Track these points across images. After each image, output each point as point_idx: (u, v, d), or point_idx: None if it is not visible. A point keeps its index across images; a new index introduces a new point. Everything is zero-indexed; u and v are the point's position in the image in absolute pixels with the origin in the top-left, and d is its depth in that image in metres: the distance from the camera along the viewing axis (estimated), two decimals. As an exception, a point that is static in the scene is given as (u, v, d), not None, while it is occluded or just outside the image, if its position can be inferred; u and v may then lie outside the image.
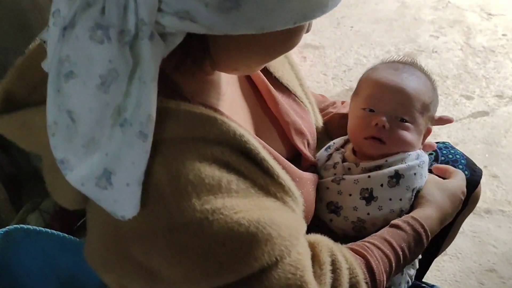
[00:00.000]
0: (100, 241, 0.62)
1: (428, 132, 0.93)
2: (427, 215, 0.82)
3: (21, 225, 1.09)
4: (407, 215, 0.82)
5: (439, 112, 2.11)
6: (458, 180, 0.90)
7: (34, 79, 0.64)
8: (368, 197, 0.84)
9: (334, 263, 0.68)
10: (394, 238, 0.77)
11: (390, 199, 0.84)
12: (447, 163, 0.98)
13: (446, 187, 0.88)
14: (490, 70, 2.28)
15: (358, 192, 0.84)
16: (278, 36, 0.59)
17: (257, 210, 0.60)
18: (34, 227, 1.10)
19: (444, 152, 1.01)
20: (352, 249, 0.73)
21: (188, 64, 0.61)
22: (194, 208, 0.56)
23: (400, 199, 0.85)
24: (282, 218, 0.62)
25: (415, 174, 0.86)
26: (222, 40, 0.58)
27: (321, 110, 1.05)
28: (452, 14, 2.68)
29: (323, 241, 0.71)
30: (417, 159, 0.89)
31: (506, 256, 1.46)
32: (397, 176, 0.84)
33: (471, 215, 1.61)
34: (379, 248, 0.75)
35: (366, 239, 0.76)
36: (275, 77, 0.86)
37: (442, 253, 1.34)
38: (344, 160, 0.91)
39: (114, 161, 0.54)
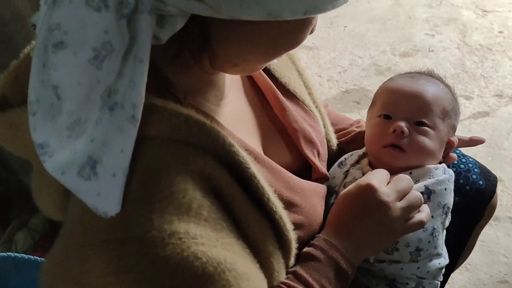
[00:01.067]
0: (58, 251, 0.56)
1: (451, 145, 0.87)
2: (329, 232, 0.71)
3: (8, 253, 1.03)
4: (319, 235, 0.71)
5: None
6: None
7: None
8: None
9: None
10: (310, 274, 0.66)
11: None
12: (459, 174, 0.92)
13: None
14: (488, 69, 2.23)
15: None
16: (283, 28, 0.55)
17: (222, 249, 0.53)
18: (22, 255, 1.03)
19: (455, 162, 0.95)
20: None
21: (185, 56, 0.57)
22: (152, 223, 0.50)
23: (432, 216, 0.79)
24: (245, 269, 0.56)
25: (445, 189, 0.81)
26: (225, 28, 0.54)
27: (344, 129, 0.99)
28: (447, 11, 2.63)
29: None
30: (444, 173, 0.84)
31: (518, 266, 1.41)
32: (428, 192, 0.79)
33: (478, 223, 1.57)
34: None
35: (285, 281, 0.65)
36: (281, 83, 0.80)
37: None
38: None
39: (101, 148, 0.49)
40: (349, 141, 0.96)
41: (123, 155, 0.50)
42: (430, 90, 0.84)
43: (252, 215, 0.58)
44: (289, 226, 0.63)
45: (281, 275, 0.64)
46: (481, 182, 0.91)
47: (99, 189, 0.49)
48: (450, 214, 0.84)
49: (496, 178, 0.94)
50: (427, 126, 0.82)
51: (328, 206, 0.82)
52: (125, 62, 0.49)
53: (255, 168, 0.59)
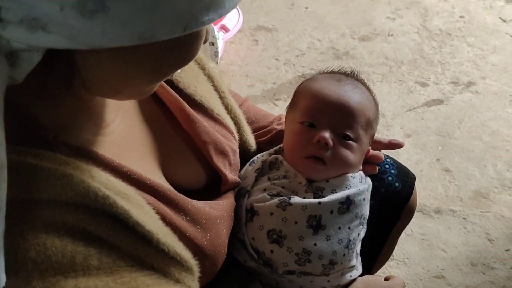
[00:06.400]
0: None
1: (367, 153, 0.83)
2: None
3: None
4: None
5: (394, 101, 2.03)
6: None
7: None
8: (316, 225, 0.74)
9: None
10: None
11: (339, 228, 0.75)
12: (374, 176, 0.88)
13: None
14: (446, 54, 2.20)
15: (305, 219, 0.74)
16: (165, 47, 0.48)
17: None
18: None
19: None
20: None
21: (51, 87, 0.49)
22: None
23: (349, 228, 0.76)
24: None
25: (364, 199, 0.79)
26: (94, 55, 0.47)
27: (264, 127, 0.94)
28: (410, -6, 2.57)
29: None
30: (362, 182, 0.80)
31: (456, 261, 1.39)
32: (348, 202, 0.76)
33: (420, 215, 1.55)
34: None
35: None
36: (186, 94, 0.74)
37: (390, 258, 1.26)
38: None
39: None
40: (269, 140, 0.92)
41: None
42: (356, 99, 0.79)
43: (146, 256, 0.54)
44: (187, 256, 0.59)
45: None
46: (397, 184, 0.87)
47: None
48: (366, 224, 0.80)
49: (414, 178, 0.90)
50: (351, 139, 0.78)
51: (239, 208, 0.78)
52: None
53: (139, 214, 0.53)
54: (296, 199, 0.75)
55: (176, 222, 0.62)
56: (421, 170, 1.71)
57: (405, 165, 0.92)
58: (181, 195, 0.66)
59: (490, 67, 2.12)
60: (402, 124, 1.89)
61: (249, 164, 0.85)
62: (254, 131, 0.91)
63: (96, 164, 0.55)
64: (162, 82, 0.71)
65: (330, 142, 0.76)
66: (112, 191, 0.52)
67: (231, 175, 0.78)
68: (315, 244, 0.74)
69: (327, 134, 0.76)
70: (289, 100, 2.25)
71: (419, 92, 2.02)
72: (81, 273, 0.47)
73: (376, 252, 0.88)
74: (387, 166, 0.88)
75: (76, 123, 0.57)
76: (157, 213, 0.58)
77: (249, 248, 0.77)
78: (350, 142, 0.78)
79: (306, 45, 2.32)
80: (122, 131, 0.64)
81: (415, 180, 0.89)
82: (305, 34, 2.38)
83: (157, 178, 0.67)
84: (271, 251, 0.75)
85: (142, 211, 0.55)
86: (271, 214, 0.75)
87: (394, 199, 0.86)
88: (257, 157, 0.86)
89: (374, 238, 0.84)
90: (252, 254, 0.76)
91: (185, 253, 0.59)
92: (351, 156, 0.78)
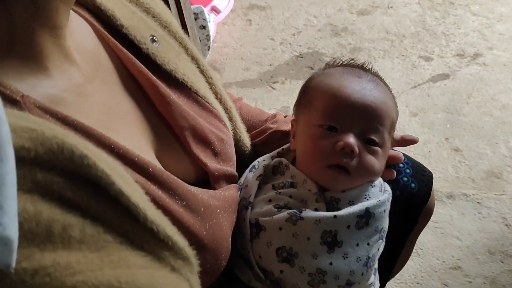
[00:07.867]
0: None
1: None
2: None
3: None
4: None
5: (397, 78, 1.93)
6: None
7: None
8: (331, 241, 0.65)
9: None
10: None
11: (357, 244, 0.67)
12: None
13: None
14: (450, 25, 2.09)
15: (319, 235, 0.65)
16: None
17: (112, 268, 0.42)
18: None
19: None
20: None
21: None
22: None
23: (368, 243, 0.67)
24: (151, 279, 0.44)
25: (384, 211, 0.70)
26: None
27: (258, 126, 0.84)
28: (408, -38, 2.45)
29: None
30: (381, 191, 0.71)
31: (472, 250, 1.31)
32: (367, 216, 0.67)
33: (432, 201, 1.46)
34: None
35: None
36: (165, 70, 0.65)
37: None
38: None
39: None
40: (264, 141, 0.83)
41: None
42: (381, 98, 0.70)
43: (134, 233, 0.45)
44: (182, 243, 0.49)
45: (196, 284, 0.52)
46: (413, 185, 0.78)
47: None
48: (385, 238, 0.72)
49: (431, 176, 0.81)
50: (376, 144, 0.69)
51: (241, 222, 0.70)
52: None
53: (122, 182, 0.45)
54: (308, 213, 0.66)
55: (170, 207, 0.53)
56: (429, 151, 1.62)
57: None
58: (176, 178, 0.56)
59: (497, 36, 2.01)
60: (407, 102, 1.79)
61: (250, 171, 0.76)
62: (247, 131, 0.82)
63: (74, 130, 0.48)
64: (134, 59, 0.62)
65: (356, 149, 0.67)
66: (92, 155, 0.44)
67: (217, 165, 0.67)
68: (330, 263, 0.65)
69: (352, 140, 0.67)
70: (287, 83, 2.14)
71: (424, 67, 1.92)
72: (60, 246, 0.39)
73: (392, 261, 0.80)
74: (401, 165, 0.79)
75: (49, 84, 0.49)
76: (147, 193, 0.49)
77: (255, 267, 0.68)
78: (375, 147, 0.69)
79: (302, 22, 2.21)
80: (104, 96, 0.56)
81: (432, 178, 0.81)
82: (300, 10, 2.27)
83: (149, 157, 0.57)
84: (281, 271, 0.67)
85: (126, 182, 0.46)
86: (280, 229, 0.67)
87: (411, 202, 0.78)
88: (258, 162, 0.77)
89: (390, 246, 0.76)
90: (258, 274, 0.68)
91: (179, 239, 0.50)
92: (377, 164, 0.69)
